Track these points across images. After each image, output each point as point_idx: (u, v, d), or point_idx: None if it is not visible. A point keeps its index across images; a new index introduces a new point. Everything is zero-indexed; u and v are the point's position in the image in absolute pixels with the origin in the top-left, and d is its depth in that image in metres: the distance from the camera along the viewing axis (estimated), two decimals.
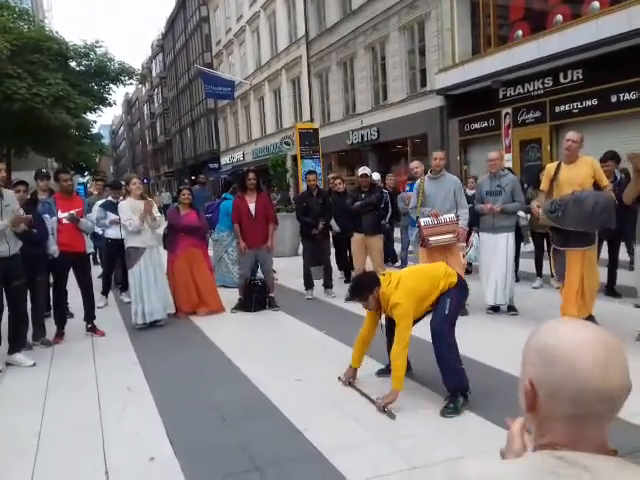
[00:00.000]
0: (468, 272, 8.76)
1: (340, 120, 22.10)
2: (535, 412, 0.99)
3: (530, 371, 0.99)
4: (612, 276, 7.05)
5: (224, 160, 38.49)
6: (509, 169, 8.18)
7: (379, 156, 20.03)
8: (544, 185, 5.73)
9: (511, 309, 6.49)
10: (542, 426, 0.99)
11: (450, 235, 6.32)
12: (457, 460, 1.06)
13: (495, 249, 6.37)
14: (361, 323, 6.53)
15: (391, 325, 4.44)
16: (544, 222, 5.70)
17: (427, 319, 4.21)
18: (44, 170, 7.33)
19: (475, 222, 8.35)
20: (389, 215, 8.06)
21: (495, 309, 6.57)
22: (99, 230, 7.65)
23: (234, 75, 30.06)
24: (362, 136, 20.21)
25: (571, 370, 0.93)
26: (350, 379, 4.48)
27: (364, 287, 4.20)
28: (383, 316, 4.38)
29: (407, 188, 8.34)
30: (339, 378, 4.55)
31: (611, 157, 6.98)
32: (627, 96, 10.84)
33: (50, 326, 6.31)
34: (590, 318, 5.46)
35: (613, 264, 7.08)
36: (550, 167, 5.78)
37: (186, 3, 45.32)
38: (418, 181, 6.82)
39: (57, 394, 4.62)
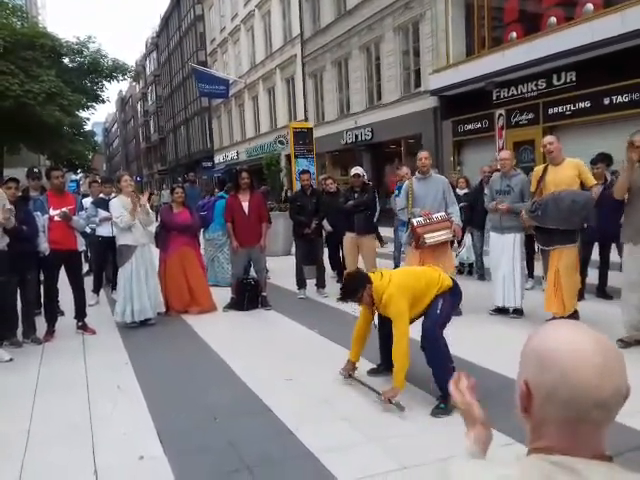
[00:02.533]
0: (460, 272, 8.79)
1: (334, 120, 22.10)
2: (529, 414, 0.98)
3: (526, 373, 0.99)
4: (603, 277, 7.08)
5: (218, 159, 38.40)
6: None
7: (373, 156, 20.05)
8: (533, 187, 5.89)
9: (515, 312, 6.33)
10: (537, 429, 0.98)
11: (445, 231, 6.31)
12: (447, 463, 1.05)
13: (503, 249, 6.34)
14: (353, 322, 6.54)
15: (383, 321, 4.45)
16: (527, 222, 5.81)
17: (419, 320, 4.21)
18: (36, 169, 7.29)
19: (469, 222, 8.39)
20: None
21: (499, 311, 6.46)
22: (87, 229, 7.61)
23: (228, 74, 30.02)
24: (356, 136, 20.21)
25: (567, 375, 0.91)
26: (350, 372, 4.49)
27: (355, 286, 4.17)
28: (376, 316, 4.38)
29: (396, 192, 8.30)
30: (340, 372, 4.55)
31: (602, 159, 7.03)
32: (620, 98, 10.89)
33: (41, 324, 6.27)
34: (575, 316, 5.53)
35: (604, 265, 7.11)
36: (538, 169, 5.96)
37: (181, 1, 45.20)
38: (407, 182, 6.83)
39: (47, 392, 4.59)
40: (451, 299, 4.19)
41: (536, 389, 0.96)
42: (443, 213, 6.38)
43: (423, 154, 6.63)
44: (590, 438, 0.94)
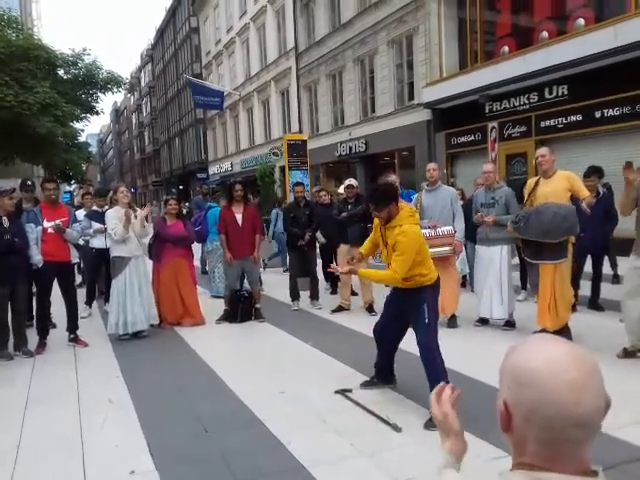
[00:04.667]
0: (462, 285, 8.75)
1: (328, 132, 22.19)
2: (510, 433, 0.98)
3: (504, 393, 0.98)
4: (596, 290, 7.10)
5: (212, 170, 38.44)
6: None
7: (367, 168, 20.10)
8: (525, 199, 5.86)
9: (507, 324, 6.35)
10: (518, 446, 0.98)
11: (446, 248, 6.34)
12: (436, 478, 1.05)
13: (490, 261, 6.36)
14: (347, 335, 6.53)
15: (383, 334, 4.44)
16: (512, 234, 5.81)
17: (411, 331, 4.21)
18: (29, 182, 7.28)
19: (465, 234, 8.38)
20: None
21: (483, 322, 6.54)
22: (80, 241, 7.60)
23: (223, 86, 30.12)
24: (350, 148, 20.29)
25: (544, 396, 0.91)
26: (356, 261, 4.38)
27: (386, 196, 4.08)
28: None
29: None
30: (348, 261, 4.43)
31: (594, 172, 7.07)
32: (611, 112, 10.98)
33: (32, 336, 6.22)
34: (565, 330, 5.53)
35: (597, 278, 7.13)
36: (530, 182, 6.00)
37: (176, 14, 45.44)
38: (416, 195, 6.91)
39: (38, 405, 4.54)
40: (432, 297, 4.16)
41: (515, 410, 0.96)
42: (450, 228, 6.43)
43: (431, 166, 6.76)
44: (572, 455, 0.93)
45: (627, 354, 5.00)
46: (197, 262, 9.29)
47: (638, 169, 4.87)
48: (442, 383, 1.39)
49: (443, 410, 1.26)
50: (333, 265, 4.34)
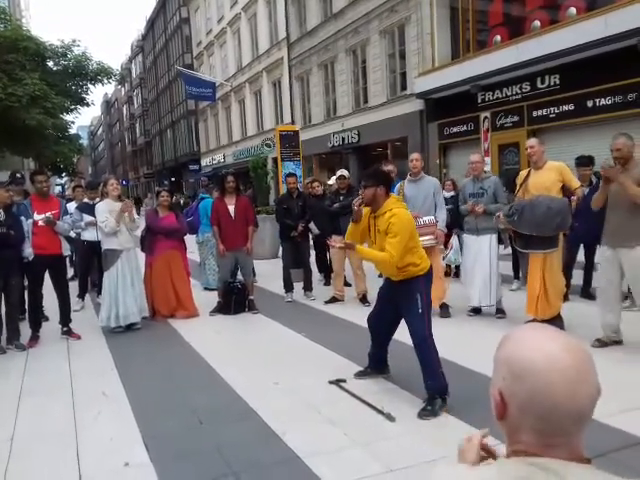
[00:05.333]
0: (447, 274, 8.80)
1: (321, 123, 22.13)
2: (505, 421, 0.99)
3: (499, 383, 0.99)
4: (588, 279, 7.15)
5: (204, 162, 38.29)
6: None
7: (360, 159, 20.08)
8: (517, 190, 5.88)
9: (499, 312, 6.42)
10: (513, 434, 0.99)
11: (429, 237, 6.35)
12: (433, 466, 1.06)
13: (478, 251, 6.39)
14: (341, 326, 6.54)
15: (377, 324, 4.45)
16: (505, 226, 5.84)
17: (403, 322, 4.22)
18: (18, 175, 7.23)
19: (455, 224, 8.42)
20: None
21: (476, 311, 6.56)
22: (72, 233, 7.56)
23: (215, 76, 29.96)
24: (343, 139, 20.25)
25: (540, 388, 0.91)
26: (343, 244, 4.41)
27: (379, 175, 4.19)
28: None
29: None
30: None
31: (590, 161, 7.13)
32: (603, 101, 11.00)
33: (25, 330, 6.19)
34: (558, 318, 5.57)
35: (589, 267, 7.18)
36: (522, 173, 6.03)
37: (166, 4, 45.02)
38: (398, 184, 6.88)
39: (31, 399, 4.53)
40: (425, 287, 4.16)
41: (510, 399, 0.96)
42: (432, 217, 6.42)
43: (414, 156, 6.71)
44: (566, 442, 0.94)
45: (602, 344, 5.04)
46: (192, 255, 9.24)
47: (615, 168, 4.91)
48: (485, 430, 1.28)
49: (472, 442, 1.24)
50: (331, 239, 4.35)
